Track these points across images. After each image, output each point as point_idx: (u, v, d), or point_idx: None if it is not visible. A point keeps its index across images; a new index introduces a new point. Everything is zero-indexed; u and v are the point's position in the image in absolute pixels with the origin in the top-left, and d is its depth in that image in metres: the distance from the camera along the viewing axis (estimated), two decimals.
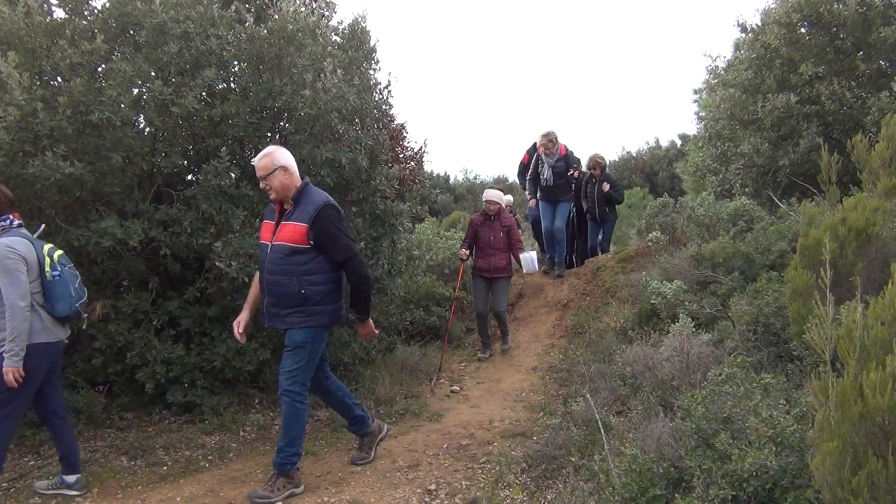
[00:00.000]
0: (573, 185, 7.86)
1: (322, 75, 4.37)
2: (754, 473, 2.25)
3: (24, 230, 3.31)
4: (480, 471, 3.71)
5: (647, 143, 20.59)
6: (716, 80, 7.97)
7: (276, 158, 3.33)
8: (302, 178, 3.44)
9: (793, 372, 3.26)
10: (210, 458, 3.98)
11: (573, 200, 8.08)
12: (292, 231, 3.31)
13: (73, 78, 3.69)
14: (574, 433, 3.69)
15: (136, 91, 4.18)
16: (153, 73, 4.09)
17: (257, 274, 3.60)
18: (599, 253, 8.43)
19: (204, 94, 4.28)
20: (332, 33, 5.00)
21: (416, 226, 7.95)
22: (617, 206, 8.62)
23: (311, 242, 3.31)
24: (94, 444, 4.09)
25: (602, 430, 3.25)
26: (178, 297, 4.48)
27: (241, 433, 4.36)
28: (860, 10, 6.27)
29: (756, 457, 2.26)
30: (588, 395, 3.93)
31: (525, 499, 3.29)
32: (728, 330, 4.09)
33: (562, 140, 7.78)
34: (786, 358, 3.52)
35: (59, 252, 3.39)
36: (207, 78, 4.04)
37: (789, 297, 3.21)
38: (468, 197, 19.22)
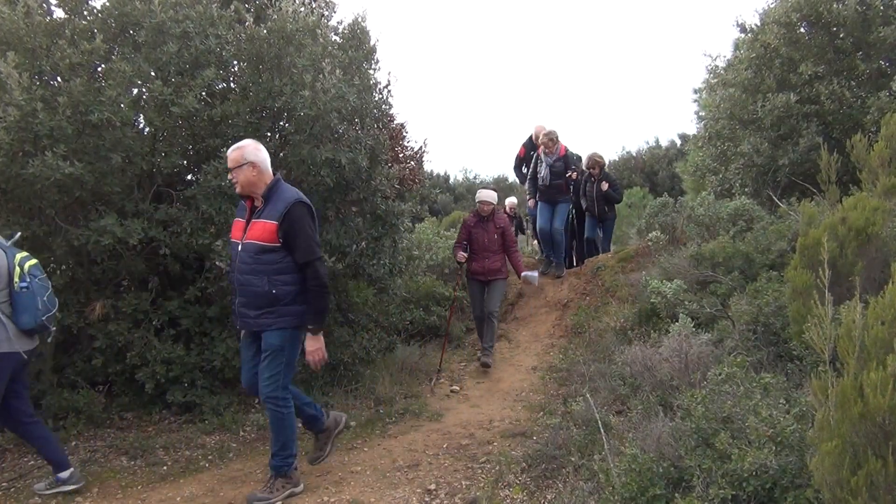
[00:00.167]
0: (570, 186, 7.82)
1: (322, 75, 4.36)
2: (754, 473, 2.25)
3: None
4: (480, 470, 3.71)
5: (647, 143, 20.67)
6: (716, 80, 7.98)
7: (247, 153, 3.26)
8: (274, 174, 3.34)
9: (792, 371, 3.27)
10: (210, 457, 3.98)
11: (572, 201, 8.05)
12: (262, 229, 3.22)
13: (73, 78, 3.69)
14: (574, 433, 3.70)
15: (135, 91, 4.19)
16: (153, 73, 4.09)
17: None
18: (598, 247, 8.43)
19: (204, 93, 4.28)
20: (332, 33, 4.99)
21: (417, 225, 7.96)
22: (616, 206, 8.62)
23: (281, 241, 3.21)
24: (94, 444, 4.09)
25: (602, 430, 3.25)
26: (178, 296, 4.49)
27: (241, 433, 4.36)
28: (860, 9, 6.27)
29: (756, 456, 2.26)
30: (588, 395, 3.93)
31: (525, 498, 3.29)
32: (728, 329, 4.09)
33: (562, 140, 7.77)
34: (785, 357, 3.52)
35: (32, 262, 3.33)
36: (207, 78, 4.04)
37: (789, 296, 3.21)
38: (468, 196, 19.24)
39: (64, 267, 4.12)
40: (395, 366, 5.60)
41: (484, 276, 6.10)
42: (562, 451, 3.56)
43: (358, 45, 4.96)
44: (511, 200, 10.87)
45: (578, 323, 6.54)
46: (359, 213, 5.07)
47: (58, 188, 3.78)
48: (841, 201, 3.46)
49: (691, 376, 3.41)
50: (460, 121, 54.61)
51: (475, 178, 21.69)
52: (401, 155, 5.86)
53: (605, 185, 8.03)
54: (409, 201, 5.66)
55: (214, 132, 4.34)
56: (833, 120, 6.51)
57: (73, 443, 4.07)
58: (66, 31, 3.87)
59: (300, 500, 3.37)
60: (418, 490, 3.46)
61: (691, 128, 19.01)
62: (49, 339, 3.58)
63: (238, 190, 3.31)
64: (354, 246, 4.94)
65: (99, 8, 4.14)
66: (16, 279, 3.21)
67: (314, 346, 3.33)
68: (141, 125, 4.33)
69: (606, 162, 8.83)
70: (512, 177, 19.00)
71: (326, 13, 5.01)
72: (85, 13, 4.15)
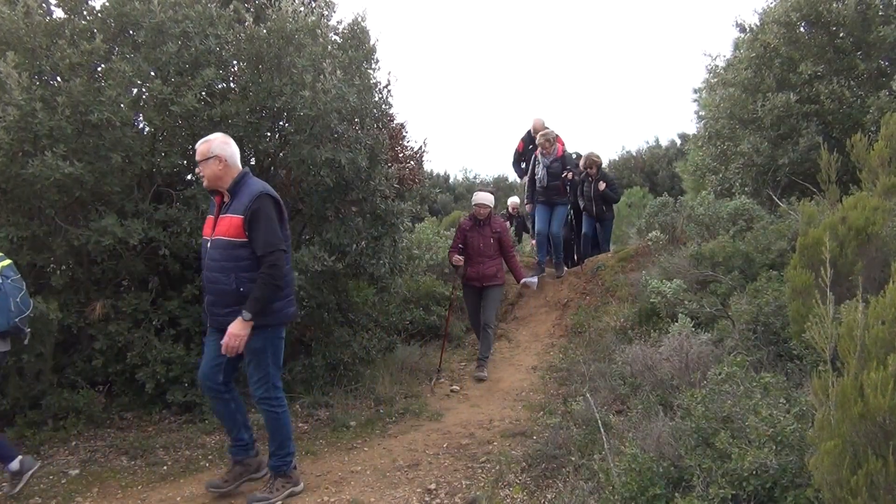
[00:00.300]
0: (568, 187, 7.78)
1: (322, 76, 4.36)
2: (754, 472, 2.25)
3: None
4: (480, 470, 3.71)
5: (647, 143, 20.66)
6: (715, 80, 7.98)
7: (214, 147, 3.18)
8: (242, 168, 3.27)
9: (792, 371, 3.27)
10: (210, 457, 3.98)
11: (570, 203, 8.02)
12: (228, 224, 3.14)
13: (73, 78, 3.69)
14: (574, 432, 3.70)
15: (135, 91, 4.19)
16: (152, 73, 4.09)
17: None
18: (598, 245, 8.42)
19: (203, 93, 4.28)
20: (332, 33, 4.99)
21: (416, 225, 7.95)
22: (615, 206, 8.61)
23: (247, 234, 3.11)
24: (94, 444, 4.09)
25: (602, 430, 3.25)
26: (177, 296, 4.48)
27: None
28: (859, 9, 6.27)
29: (756, 456, 2.26)
30: (588, 395, 3.93)
31: (525, 498, 3.29)
32: (728, 329, 4.09)
33: (563, 139, 7.76)
34: (785, 357, 3.53)
35: (6, 263, 3.27)
36: (207, 77, 4.04)
37: (789, 296, 3.21)
38: (468, 196, 19.20)
39: (64, 267, 4.11)
40: (395, 365, 5.60)
41: (479, 283, 5.87)
42: (562, 450, 3.56)
43: (358, 44, 4.96)
44: (514, 200, 10.83)
45: (578, 322, 6.54)
46: (358, 213, 5.07)
47: (57, 188, 3.78)
48: (841, 201, 3.46)
49: (691, 376, 3.41)
50: (460, 121, 54.62)
51: (475, 177, 21.69)
52: (401, 155, 5.86)
53: (602, 185, 8.02)
54: (408, 201, 5.66)
55: (214, 132, 4.33)
56: (833, 119, 6.52)
57: (73, 443, 4.07)
58: (66, 30, 3.87)
59: (300, 499, 3.37)
60: (418, 490, 3.46)
61: (691, 127, 19.04)
62: (25, 342, 3.45)
63: (205, 184, 3.25)
64: (354, 245, 4.94)
65: (98, 8, 4.14)
66: None
67: (237, 331, 3.09)
68: (141, 125, 4.33)
69: (604, 162, 8.82)
70: (512, 177, 19.04)
71: (326, 13, 5.00)
72: (84, 13, 4.15)
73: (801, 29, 6.91)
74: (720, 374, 2.91)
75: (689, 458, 2.51)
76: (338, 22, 5.20)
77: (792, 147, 6.57)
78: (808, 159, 6.32)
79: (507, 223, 10.54)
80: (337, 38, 5.04)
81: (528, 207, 8.25)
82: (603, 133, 46.80)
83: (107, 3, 4.06)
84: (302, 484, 3.46)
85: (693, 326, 3.98)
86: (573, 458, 3.41)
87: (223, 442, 4.22)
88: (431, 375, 5.75)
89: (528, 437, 4.15)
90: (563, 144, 7.99)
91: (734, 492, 2.26)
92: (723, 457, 2.39)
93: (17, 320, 3.22)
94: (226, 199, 3.24)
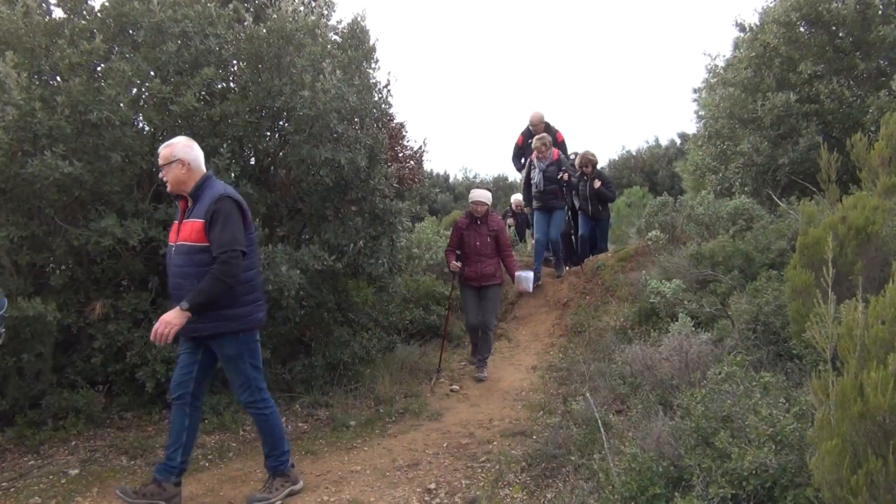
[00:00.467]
0: (564, 189, 7.69)
1: (321, 75, 4.36)
2: (754, 472, 2.26)
3: None
4: (480, 470, 3.71)
5: (647, 142, 20.61)
6: (715, 79, 7.98)
7: (176, 150, 3.15)
8: (206, 171, 3.24)
9: (792, 370, 3.27)
10: (210, 457, 3.98)
11: (567, 205, 8.01)
12: (190, 229, 3.09)
13: (72, 77, 3.68)
14: (574, 432, 3.70)
15: (134, 90, 4.18)
16: (152, 73, 4.09)
17: None
18: (594, 246, 8.42)
19: (203, 93, 4.27)
20: (332, 32, 4.99)
21: (416, 225, 7.95)
22: (611, 205, 8.59)
23: (207, 237, 3.06)
24: (94, 443, 4.09)
25: (602, 429, 3.25)
26: None
27: (241, 432, 4.36)
28: (859, 8, 6.27)
29: (756, 455, 2.27)
30: (588, 394, 3.93)
31: (525, 497, 3.29)
32: (727, 329, 4.09)
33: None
34: (785, 356, 3.53)
35: None
36: (206, 77, 4.04)
37: (789, 295, 3.21)
38: (467, 196, 19.15)
39: (63, 267, 4.11)
40: (395, 365, 5.60)
41: (477, 282, 5.74)
42: (562, 450, 3.56)
43: (358, 44, 4.96)
44: (517, 197, 10.76)
45: (578, 322, 6.54)
46: (357, 213, 5.07)
47: (57, 188, 3.77)
48: (841, 200, 3.46)
49: (691, 375, 3.41)
50: (460, 121, 54.58)
51: (475, 177, 21.65)
52: (400, 154, 5.86)
53: (597, 183, 8.00)
54: (408, 200, 5.65)
55: (214, 131, 4.34)
56: (833, 119, 6.52)
57: (73, 442, 4.07)
58: (66, 30, 3.87)
59: (300, 499, 3.37)
60: (418, 489, 3.46)
61: (691, 127, 19.01)
62: (0, 343, 3.34)
63: (168, 189, 3.22)
64: (352, 245, 4.95)
65: (98, 8, 4.14)
66: None
67: (169, 319, 2.99)
68: (140, 124, 4.32)
69: (604, 161, 8.83)
70: (512, 176, 19.04)
71: (326, 13, 5.01)
72: (84, 13, 4.15)
73: (801, 28, 6.91)
74: (720, 373, 2.91)
75: (688, 457, 2.51)
76: (337, 22, 5.21)
77: (792, 147, 6.57)
78: (808, 159, 6.33)
79: (510, 221, 10.58)
80: (337, 37, 5.04)
81: (527, 210, 8.26)
82: (603, 133, 46.76)
83: (106, 3, 4.06)
84: (301, 482, 3.46)
85: (693, 326, 3.98)
86: (573, 458, 3.41)
87: (223, 441, 4.22)
88: (431, 375, 5.75)
89: (528, 436, 4.15)
90: (562, 137, 7.99)
91: (734, 491, 2.26)
92: (722, 456, 2.39)
93: None
94: (189, 204, 3.20)
